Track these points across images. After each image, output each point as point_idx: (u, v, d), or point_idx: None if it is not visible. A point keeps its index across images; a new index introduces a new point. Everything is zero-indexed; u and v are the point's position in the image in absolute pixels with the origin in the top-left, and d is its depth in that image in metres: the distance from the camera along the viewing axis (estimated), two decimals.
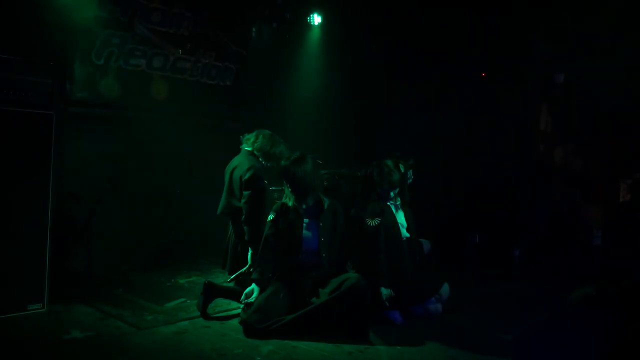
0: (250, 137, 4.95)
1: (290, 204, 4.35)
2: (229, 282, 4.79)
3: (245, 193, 4.67)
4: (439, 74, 6.77)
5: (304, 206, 4.35)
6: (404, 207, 4.77)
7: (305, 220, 4.32)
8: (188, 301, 4.88)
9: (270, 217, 4.36)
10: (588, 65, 6.34)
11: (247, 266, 4.66)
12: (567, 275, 5.50)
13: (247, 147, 4.93)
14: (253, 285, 4.23)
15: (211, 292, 4.50)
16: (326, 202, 4.39)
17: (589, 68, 6.36)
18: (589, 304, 2.74)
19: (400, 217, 4.69)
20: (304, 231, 4.28)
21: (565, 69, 6.71)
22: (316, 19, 7.60)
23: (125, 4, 6.11)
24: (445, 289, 4.62)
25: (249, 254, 4.68)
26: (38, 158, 4.32)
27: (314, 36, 7.73)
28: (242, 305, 4.25)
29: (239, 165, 4.83)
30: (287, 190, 4.38)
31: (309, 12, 7.61)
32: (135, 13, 6.22)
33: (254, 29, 7.64)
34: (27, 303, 4.26)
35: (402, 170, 4.73)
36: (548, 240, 6.74)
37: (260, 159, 4.88)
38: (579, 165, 6.98)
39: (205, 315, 4.43)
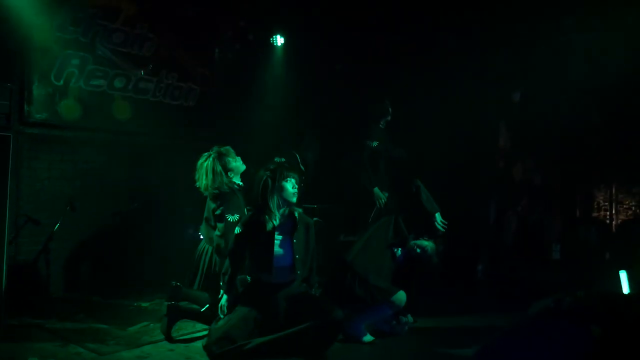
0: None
1: (261, 219, 4.13)
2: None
3: (220, 225, 4.52)
4: (401, 94, 6.88)
5: (276, 222, 4.13)
6: None
7: (278, 237, 4.12)
8: (151, 324, 4.80)
9: (237, 231, 4.14)
10: (543, 84, 6.57)
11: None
12: (528, 289, 5.61)
13: None
14: (224, 295, 4.11)
15: (175, 313, 4.42)
16: (297, 212, 4.21)
17: (543, 87, 6.59)
18: (547, 315, 2.80)
19: None
20: (277, 248, 4.09)
21: (521, 88, 6.93)
22: (279, 40, 7.66)
23: (86, 25, 6.06)
24: (399, 296, 4.44)
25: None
26: None
27: (277, 56, 7.79)
28: (207, 327, 4.18)
29: None
30: (258, 205, 4.19)
31: (271, 33, 7.67)
32: (97, 34, 6.16)
33: (217, 50, 7.67)
34: None
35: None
36: (510, 255, 6.87)
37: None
38: (538, 181, 7.16)
39: (169, 338, 4.37)
